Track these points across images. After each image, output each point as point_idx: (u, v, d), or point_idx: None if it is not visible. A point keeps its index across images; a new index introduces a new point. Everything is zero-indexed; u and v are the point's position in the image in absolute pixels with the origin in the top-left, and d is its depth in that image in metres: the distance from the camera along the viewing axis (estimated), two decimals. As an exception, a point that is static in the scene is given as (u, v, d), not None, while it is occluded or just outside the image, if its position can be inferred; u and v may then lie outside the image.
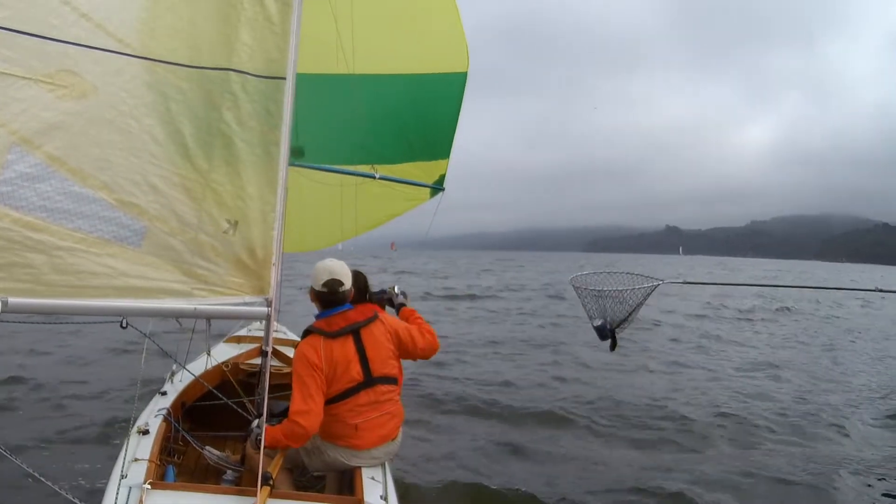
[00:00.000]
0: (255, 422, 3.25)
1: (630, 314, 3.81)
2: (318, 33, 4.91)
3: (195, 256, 2.95)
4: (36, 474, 2.72)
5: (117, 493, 2.59)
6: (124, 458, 2.91)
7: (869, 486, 5.43)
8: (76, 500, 2.69)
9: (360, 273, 4.25)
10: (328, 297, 3.22)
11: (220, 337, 5.62)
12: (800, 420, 7.40)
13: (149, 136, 2.82)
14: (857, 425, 7.30)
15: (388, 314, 3.56)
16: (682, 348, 12.89)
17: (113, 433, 5.60)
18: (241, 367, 4.80)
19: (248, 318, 4.39)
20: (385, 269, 41.84)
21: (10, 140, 2.52)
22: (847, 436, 6.89)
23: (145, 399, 4.11)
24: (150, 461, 2.93)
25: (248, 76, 2.93)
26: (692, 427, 6.90)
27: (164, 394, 4.08)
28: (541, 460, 5.84)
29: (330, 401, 3.13)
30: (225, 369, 4.60)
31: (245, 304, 3.11)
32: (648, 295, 3.78)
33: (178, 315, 3.09)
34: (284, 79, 2.98)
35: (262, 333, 4.00)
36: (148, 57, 2.78)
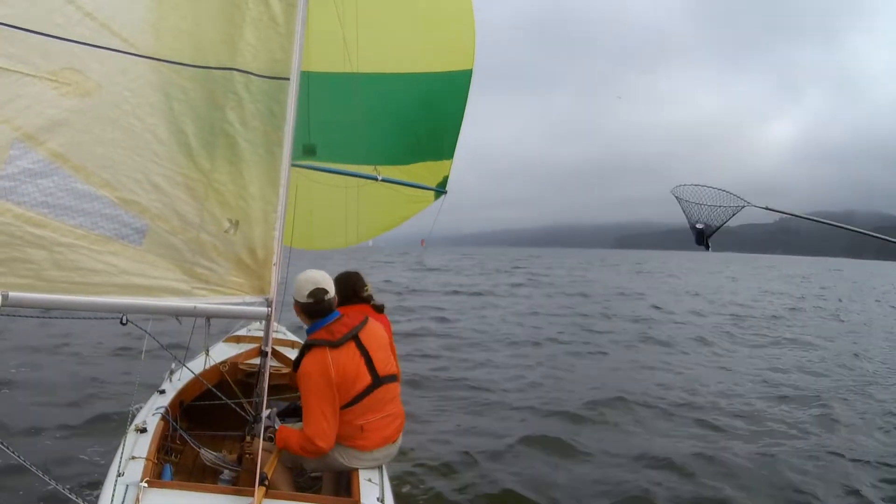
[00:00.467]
0: (267, 412, 3.26)
1: (720, 225, 4.41)
2: (333, 32, 4.94)
3: (196, 255, 2.96)
4: (34, 469, 2.72)
5: (114, 491, 2.59)
6: (122, 456, 2.91)
7: None
8: (73, 496, 2.69)
9: (356, 273, 4.25)
10: (314, 307, 3.21)
11: (219, 336, 5.62)
12: None
13: (152, 134, 2.82)
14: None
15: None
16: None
17: (111, 430, 5.60)
18: (240, 367, 4.80)
19: (248, 318, 4.39)
20: (412, 267, 41.60)
21: (13, 136, 2.53)
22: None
23: (144, 397, 4.11)
24: (147, 459, 2.93)
25: (252, 76, 2.93)
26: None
27: (162, 392, 4.08)
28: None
29: (341, 408, 3.12)
30: (223, 369, 4.60)
31: (245, 303, 3.11)
32: (736, 213, 4.36)
33: (177, 313, 3.09)
34: (288, 79, 2.98)
35: (261, 333, 4.00)
36: (152, 56, 2.79)
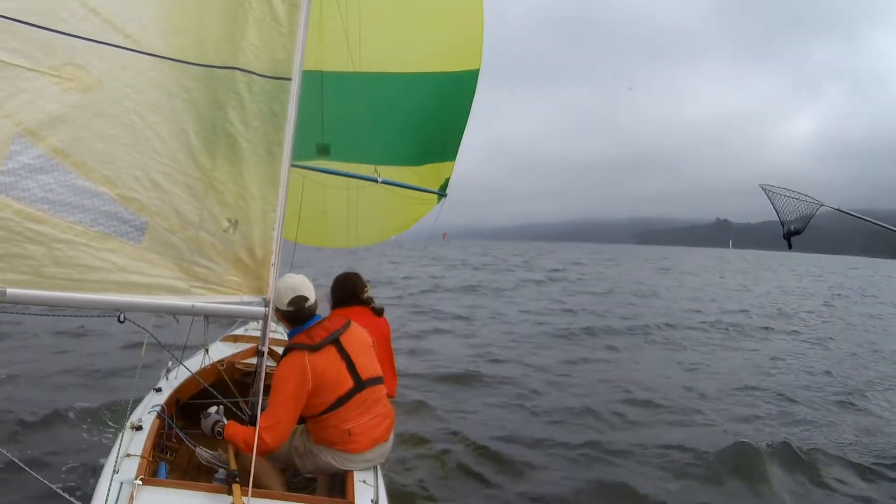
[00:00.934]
0: (214, 409, 3.24)
1: (804, 226, 4.97)
2: (351, 32, 4.97)
3: (195, 254, 2.96)
4: (28, 469, 2.72)
5: (109, 488, 2.58)
6: (117, 454, 2.90)
7: None
8: (66, 495, 2.69)
9: (356, 275, 4.25)
10: (295, 314, 3.21)
11: (217, 335, 5.61)
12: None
13: (153, 132, 2.82)
14: None
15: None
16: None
17: (106, 428, 5.59)
18: (237, 366, 4.80)
19: (246, 318, 4.39)
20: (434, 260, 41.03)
21: (14, 131, 2.53)
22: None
23: (141, 394, 4.10)
24: (142, 457, 2.92)
25: (254, 76, 2.94)
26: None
27: (158, 390, 4.08)
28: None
29: (323, 412, 3.13)
30: (220, 368, 4.59)
31: (243, 303, 3.11)
32: (814, 214, 4.92)
33: (175, 312, 3.09)
34: (290, 79, 2.98)
35: (258, 333, 4.00)
36: (155, 54, 2.79)
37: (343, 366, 3.15)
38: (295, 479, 3.65)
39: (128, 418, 3.44)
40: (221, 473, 3.33)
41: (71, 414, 6.08)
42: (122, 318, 2.85)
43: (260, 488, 2.84)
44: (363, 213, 5.84)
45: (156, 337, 3.23)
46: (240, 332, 5.86)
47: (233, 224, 3.01)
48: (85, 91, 2.65)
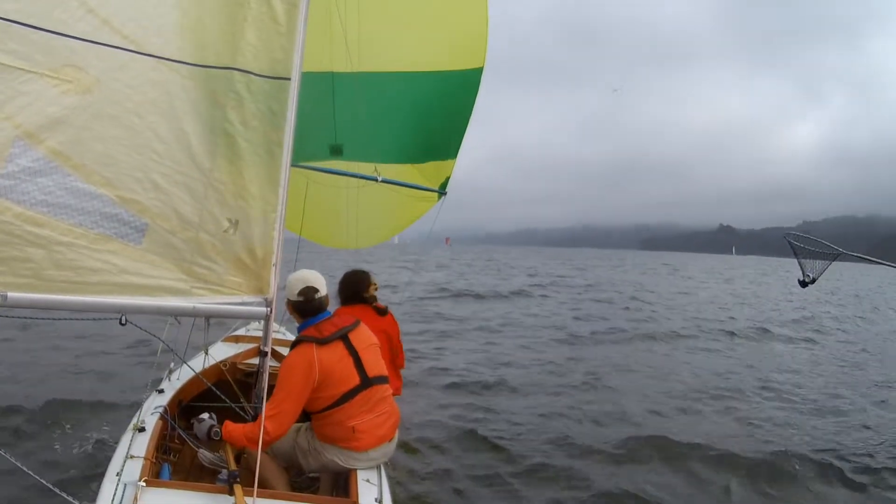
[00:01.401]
0: (205, 414, 3.23)
1: (819, 275, 5.46)
2: (358, 32, 4.99)
3: (195, 255, 2.95)
4: (31, 473, 2.72)
5: (114, 490, 2.58)
6: (120, 455, 2.91)
7: None
8: (69, 497, 2.69)
9: (363, 273, 4.25)
10: (305, 305, 3.26)
11: (218, 336, 5.61)
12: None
13: (152, 133, 2.81)
14: None
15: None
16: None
17: (110, 430, 5.59)
18: (239, 366, 4.79)
19: (247, 318, 4.39)
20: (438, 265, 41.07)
21: (14, 133, 2.52)
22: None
23: (143, 396, 4.10)
24: (145, 459, 2.93)
25: (253, 76, 2.92)
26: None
27: (161, 391, 4.08)
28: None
29: (328, 406, 3.14)
30: (223, 368, 4.59)
31: (244, 303, 3.11)
32: (833, 261, 5.40)
33: (176, 313, 3.09)
34: (289, 79, 2.97)
35: (260, 333, 3.99)
36: (153, 54, 2.78)
37: (350, 362, 3.17)
38: (298, 479, 3.65)
39: (130, 420, 3.45)
40: (224, 474, 3.34)
41: (71, 414, 6.08)
42: (123, 321, 2.85)
43: (263, 487, 2.83)
44: (364, 212, 5.86)
45: (161, 338, 3.23)
46: (241, 332, 5.85)
47: (233, 224, 3.01)
48: (84, 92, 2.64)
